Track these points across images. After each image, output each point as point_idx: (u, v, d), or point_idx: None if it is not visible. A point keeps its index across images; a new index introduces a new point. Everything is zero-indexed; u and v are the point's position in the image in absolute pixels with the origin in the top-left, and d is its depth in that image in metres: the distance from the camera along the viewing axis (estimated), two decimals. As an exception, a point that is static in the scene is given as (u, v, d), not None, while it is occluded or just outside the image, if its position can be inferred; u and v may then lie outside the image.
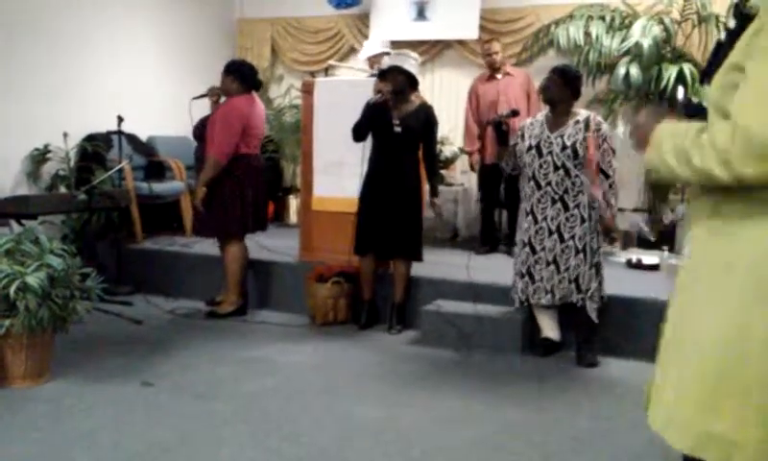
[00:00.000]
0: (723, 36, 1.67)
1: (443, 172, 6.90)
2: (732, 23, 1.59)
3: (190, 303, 5.32)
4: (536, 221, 4.17)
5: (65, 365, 3.80)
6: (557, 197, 4.11)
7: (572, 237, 4.10)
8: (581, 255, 4.09)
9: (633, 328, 4.24)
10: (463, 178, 7.25)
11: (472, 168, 6.39)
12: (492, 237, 6.16)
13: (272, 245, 5.76)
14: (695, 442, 1.42)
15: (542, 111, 4.36)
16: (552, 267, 4.12)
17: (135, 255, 5.84)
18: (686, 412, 1.44)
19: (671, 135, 1.50)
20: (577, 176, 4.08)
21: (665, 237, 5.90)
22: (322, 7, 7.70)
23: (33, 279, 3.42)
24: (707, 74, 1.72)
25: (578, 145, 4.06)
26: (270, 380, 3.79)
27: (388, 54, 5.08)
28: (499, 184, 6.11)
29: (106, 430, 3.08)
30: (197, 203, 4.85)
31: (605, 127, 4.16)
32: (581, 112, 4.20)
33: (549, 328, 4.33)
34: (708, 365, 1.42)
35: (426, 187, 4.86)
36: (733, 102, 1.37)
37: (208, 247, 5.39)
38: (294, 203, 7.62)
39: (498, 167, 5.94)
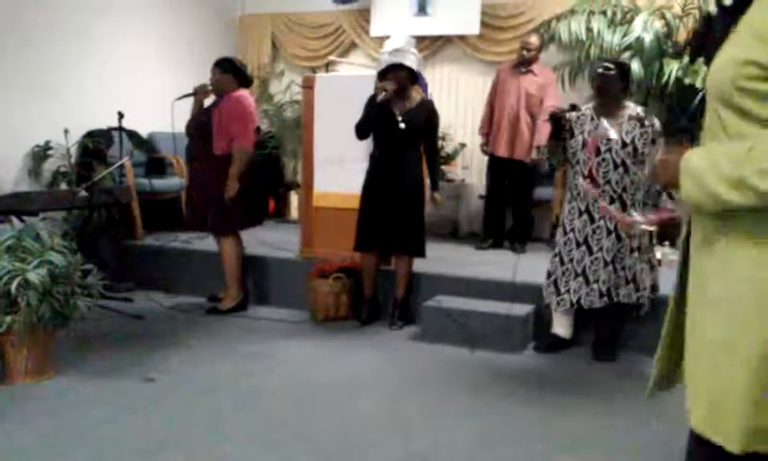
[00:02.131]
0: (714, 10, 1.58)
1: (443, 167, 6.89)
2: (728, 0, 1.54)
3: (191, 299, 5.33)
4: (592, 220, 4.04)
5: (67, 361, 3.81)
6: (615, 195, 3.98)
7: (630, 237, 4.00)
8: (636, 253, 4.02)
9: (635, 325, 4.23)
10: (464, 173, 7.24)
11: (484, 151, 6.31)
12: (496, 232, 6.15)
13: (273, 241, 5.76)
14: (746, 439, 1.44)
15: (588, 105, 4.21)
16: (610, 268, 4.01)
17: (136, 252, 5.84)
18: (734, 412, 1.45)
19: (710, 164, 1.45)
20: (635, 173, 3.95)
21: (667, 232, 5.89)
22: (322, 2, 7.69)
23: (34, 276, 3.42)
24: (699, 52, 1.68)
25: (636, 141, 3.94)
26: (271, 376, 3.79)
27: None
28: (505, 178, 6.08)
29: (107, 426, 3.08)
30: (229, 198, 4.80)
31: (657, 122, 4.03)
32: (630, 106, 4.07)
33: (561, 326, 4.29)
34: (752, 365, 1.43)
35: (428, 182, 4.85)
36: None
37: (209, 243, 5.39)
38: (295, 198, 7.61)
39: (507, 161, 5.97)
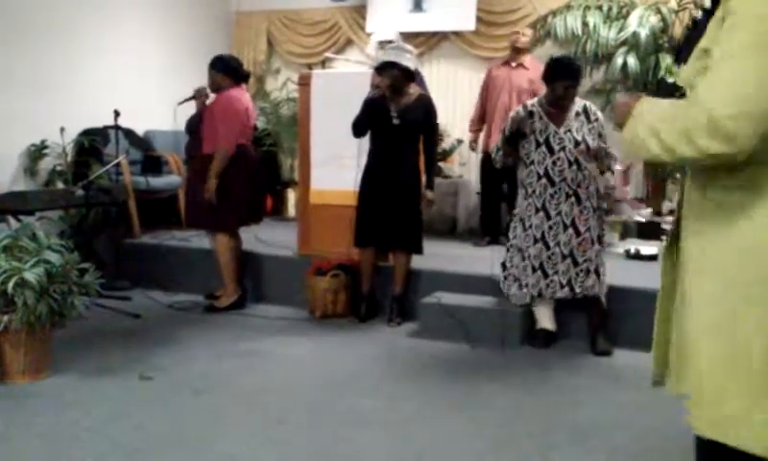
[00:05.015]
0: (699, 14, 1.66)
1: (441, 164, 6.89)
2: (708, 2, 1.58)
3: (189, 297, 5.31)
4: (548, 217, 4.16)
5: (64, 360, 3.80)
6: (571, 191, 4.13)
7: (588, 229, 4.14)
8: (597, 245, 4.17)
9: (632, 319, 4.24)
10: (461, 170, 7.24)
11: (472, 147, 6.37)
12: (493, 229, 6.15)
13: (270, 238, 5.75)
14: (712, 426, 1.44)
15: (531, 102, 4.30)
16: (569, 260, 4.14)
17: (133, 250, 5.83)
18: (702, 399, 1.46)
19: (649, 111, 1.52)
20: (586, 168, 4.14)
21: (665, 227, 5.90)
22: (318, -1, 7.70)
23: (31, 275, 3.41)
24: (681, 54, 1.73)
25: (587, 137, 4.10)
26: (269, 374, 3.79)
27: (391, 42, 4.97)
28: (499, 175, 6.11)
29: (105, 425, 3.08)
30: (209, 196, 4.80)
31: (600, 114, 4.25)
32: (576, 102, 4.20)
33: (546, 319, 4.33)
34: (710, 354, 1.44)
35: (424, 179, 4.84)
36: (700, 84, 1.41)
37: (206, 241, 5.39)
38: (292, 196, 7.60)
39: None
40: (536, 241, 4.20)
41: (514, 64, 5.99)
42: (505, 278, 4.39)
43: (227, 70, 4.94)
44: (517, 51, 5.99)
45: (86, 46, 6.41)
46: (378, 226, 4.66)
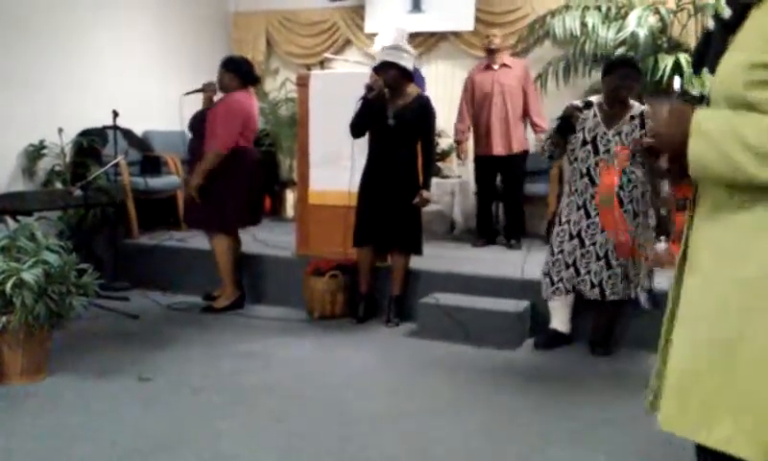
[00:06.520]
0: (712, 24, 1.61)
1: (439, 164, 6.88)
2: (727, 13, 1.54)
3: (187, 297, 5.31)
4: (588, 216, 4.08)
5: (63, 361, 3.80)
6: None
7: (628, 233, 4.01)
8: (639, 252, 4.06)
9: (633, 320, 4.24)
10: (460, 170, 7.23)
11: (459, 157, 6.38)
12: (489, 230, 6.16)
13: (268, 239, 5.75)
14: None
15: (595, 97, 4.22)
16: (602, 262, 4.05)
17: (132, 251, 5.82)
18: (750, 424, 1.43)
19: (730, 131, 1.40)
20: (633, 172, 4.01)
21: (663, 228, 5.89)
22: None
23: (29, 276, 3.41)
24: (701, 64, 1.69)
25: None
26: (268, 375, 3.79)
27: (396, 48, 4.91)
28: (495, 176, 6.12)
29: (104, 426, 3.08)
30: (192, 192, 4.82)
31: None
32: (635, 106, 4.08)
33: (560, 321, 4.29)
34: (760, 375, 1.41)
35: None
36: None
37: (205, 241, 5.39)
38: (290, 196, 7.60)
39: (493, 159, 5.99)
40: (571, 237, 4.12)
41: (496, 67, 5.99)
42: (543, 277, 4.27)
43: (236, 71, 4.96)
44: (493, 52, 5.99)
45: (85, 46, 6.40)
46: (376, 225, 4.66)
